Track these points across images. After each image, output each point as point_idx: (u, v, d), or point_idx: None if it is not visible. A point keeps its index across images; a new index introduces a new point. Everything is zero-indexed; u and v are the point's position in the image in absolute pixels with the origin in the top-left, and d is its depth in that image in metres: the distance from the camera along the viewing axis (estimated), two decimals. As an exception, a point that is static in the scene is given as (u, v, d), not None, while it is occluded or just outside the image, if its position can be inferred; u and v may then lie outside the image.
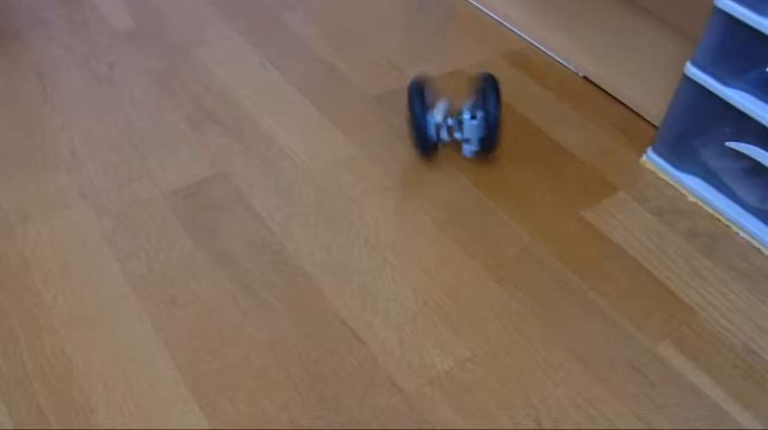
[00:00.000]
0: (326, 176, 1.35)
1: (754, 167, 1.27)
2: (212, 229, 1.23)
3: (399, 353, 1.08)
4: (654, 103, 1.52)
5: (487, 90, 1.31)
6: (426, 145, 1.35)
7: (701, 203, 1.37)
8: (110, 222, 1.23)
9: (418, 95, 1.32)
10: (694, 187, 1.37)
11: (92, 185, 1.29)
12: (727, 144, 1.29)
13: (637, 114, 1.57)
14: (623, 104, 1.60)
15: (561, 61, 1.71)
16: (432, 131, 1.33)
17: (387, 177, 1.36)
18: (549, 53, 1.74)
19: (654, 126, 1.50)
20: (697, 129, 1.35)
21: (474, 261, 1.22)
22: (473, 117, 1.32)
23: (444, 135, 1.35)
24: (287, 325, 1.10)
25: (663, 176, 1.42)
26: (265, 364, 1.04)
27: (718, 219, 1.34)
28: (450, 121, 1.34)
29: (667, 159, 1.41)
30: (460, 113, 1.33)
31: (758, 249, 1.29)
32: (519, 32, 1.80)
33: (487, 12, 1.86)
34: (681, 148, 1.38)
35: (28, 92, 1.48)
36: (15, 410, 0.97)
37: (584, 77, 1.67)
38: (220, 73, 1.57)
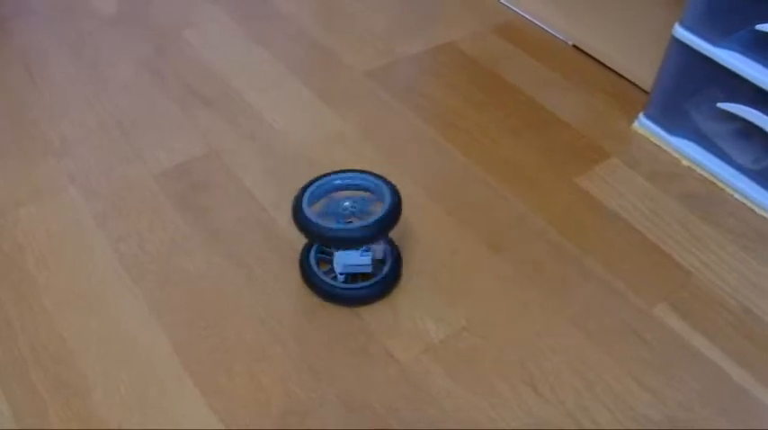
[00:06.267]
0: (317, 152, 1.34)
1: (746, 128, 1.27)
2: (204, 208, 1.22)
3: (394, 323, 1.07)
4: (644, 68, 1.51)
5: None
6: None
7: (694, 166, 1.36)
8: (101, 205, 1.22)
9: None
10: (687, 151, 1.37)
11: (82, 169, 1.28)
12: (719, 105, 1.29)
13: (627, 80, 1.56)
14: (613, 71, 1.59)
15: (550, 31, 1.70)
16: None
17: (377, 152, 1.35)
18: (538, 23, 1.72)
19: (645, 91, 1.49)
20: (688, 91, 1.34)
21: (468, 230, 1.22)
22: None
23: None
24: (280, 300, 1.10)
25: (655, 141, 1.41)
26: (260, 339, 1.04)
27: (711, 181, 1.34)
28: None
29: (659, 124, 1.40)
30: None
31: (752, 210, 1.29)
32: (507, 4, 1.78)
33: (475, -15, 1.85)
34: (672, 112, 1.37)
35: (15, 80, 1.47)
36: (12, 393, 0.96)
37: (574, 46, 1.66)
38: (208, 54, 1.57)
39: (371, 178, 1.08)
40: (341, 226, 1.01)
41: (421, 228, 1.22)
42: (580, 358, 1.05)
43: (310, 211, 1.03)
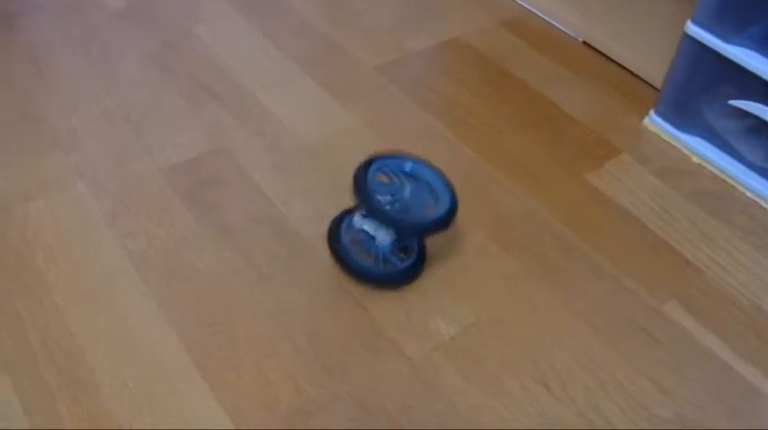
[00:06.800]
0: (326, 148, 1.34)
1: (757, 125, 1.26)
2: (212, 204, 1.22)
3: (404, 320, 1.07)
4: (655, 64, 1.50)
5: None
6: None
7: (705, 164, 1.35)
8: (109, 200, 1.22)
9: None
10: (698, 148, 1.36)
11: (90, 164, 1.28)
12: (731, 102, 1.28)
13: (638, 77, 1.55)
14: (624, 68, 1.58)
15: (560, 27, 1.69)
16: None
17: (386, 147, 1.35)
18: (548, 19, 1.72)
19: (655, 88, 1.49)
20: (699, 88, 1.33)
21: (477, 226, 1.21)
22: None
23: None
24: (290, 295, 1.09)
25: (666, 138, 1.40)
26: (269, 335, 1.04)
27: (722, 178, 1.33)
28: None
29: (670, 121, 1.39)
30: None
31: (763, 208, 1.28)
32: (517, -1, 1.78)
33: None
34: (683, 109, 1.37)
35: (23, 75, 1.46)
36: (21, 387, 0.96)
37: (584, 42, 1.65)
38: (217, 49, 1.56)
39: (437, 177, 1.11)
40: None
41: (430, 224, 1.21)
42: (589, 355, 1.04)
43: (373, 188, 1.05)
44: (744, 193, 1.30)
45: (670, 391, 1.01)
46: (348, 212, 1.15)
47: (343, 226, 1.14)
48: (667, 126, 1.40)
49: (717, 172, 1.34)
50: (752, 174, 1.30)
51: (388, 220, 1.05)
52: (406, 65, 1.56)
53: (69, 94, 1.42)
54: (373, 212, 1.05)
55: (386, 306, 1.09)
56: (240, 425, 0.94)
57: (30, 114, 1.37)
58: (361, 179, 1.05)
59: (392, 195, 1.07)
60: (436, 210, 1.06)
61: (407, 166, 1.11)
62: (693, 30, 1.27)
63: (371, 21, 1.68)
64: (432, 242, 1.18)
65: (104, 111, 1.38)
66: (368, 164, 1.07)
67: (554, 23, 1.70)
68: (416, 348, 1.04)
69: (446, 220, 1.06)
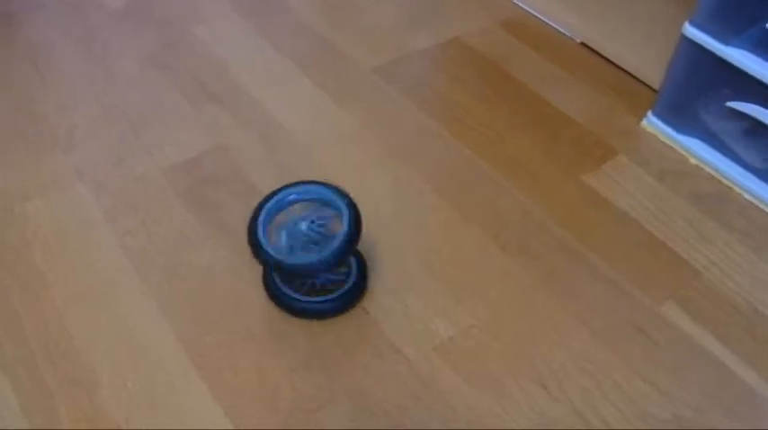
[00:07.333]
0: (325, 148, 1.34)
1: (755, 127, 1.26)
2: (211, 203, 1.22)
3: (403, 320, 1.07)
4: (653, 66, 1.50)
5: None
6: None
7: (702, 165, 1.36)
8: (109, 199, 1.22)
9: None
10: (696, 149, 1.36)
11: (90, 164, 1.28)
12: (728, 104, 1.28)
13: (636, 78, 1.55)
14: (622, 69, 1.58)
15: (558, 28, 1.70)
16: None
17: (384, 147, 1.35)
18: (546, 20, 1.72)
19: (653, 89, 1.49)
20: (697, 90, 1.34)
21: (475, 227, 1.22)
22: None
23: None
24: (289, 296, 1.10)
25: (664, 139, 1.41)
26: (268, 335, 1.04)
27: (720, 180, 1.33)
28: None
29: (668, 122, 1.40)
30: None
31: (761, 209, 1.28)
32: (515, 0, 1.78)
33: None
34: (681, 111, 1.37)
35: (23, 74, 1.46)
36: (20, 387, 0.97)
37: (582, 43, 1.65)
38: (216, 49, 1.56)
39: (328, 192, 1.03)
40: (293, 259, 0.98)
41: (428, 223, 1.22)
42: (587, 356, 1.05)
43: (265, 238, 1.00)
44: (741, 195, 1.31)
45: (667, 392, 1.01)
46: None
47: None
48: (665, 127, 1.40)
49: (714, 173, 1.34)
50: (749, 175, 1.30)
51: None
52: (404, 65, 1.56)
53: (69, 94, 1.42)
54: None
55: (385, 306, 1.09)
56: (238, 425, 0.94)
57: (29, 114, 1.37)
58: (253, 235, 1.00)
59: (296, 238, 1.01)
60: (341, 224, 1.00)
61: (291, 197, 1.04)
62: (691, 31, 1.27)
63: (370, 20, 1.69)
64: (429, 240, 1.18)
65: (104, 111, 1.39)
66: (255, 218, 1.01)
67: (552, 24, 1.71)
68: (415, 349, 1.04)
69: (352, 236, 0.99)
